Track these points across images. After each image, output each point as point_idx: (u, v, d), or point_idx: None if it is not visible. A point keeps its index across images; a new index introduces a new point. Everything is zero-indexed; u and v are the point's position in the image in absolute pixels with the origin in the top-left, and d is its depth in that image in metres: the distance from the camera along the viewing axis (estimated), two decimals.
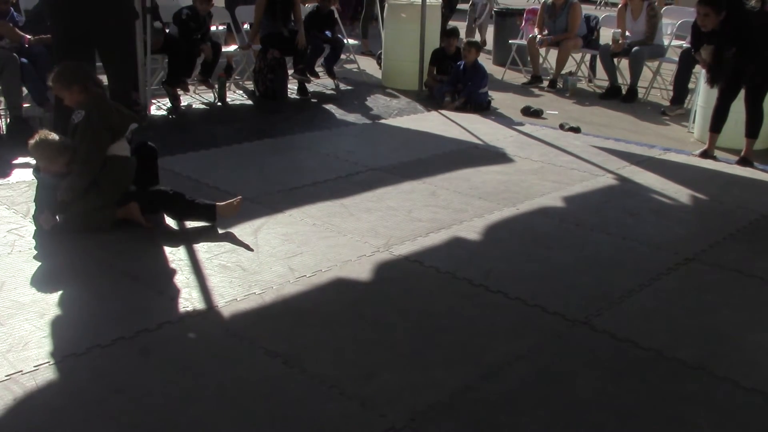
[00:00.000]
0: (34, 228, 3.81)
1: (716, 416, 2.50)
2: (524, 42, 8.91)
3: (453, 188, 4.75)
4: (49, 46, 5.55)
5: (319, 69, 8.32)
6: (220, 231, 3.93)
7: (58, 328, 2.92)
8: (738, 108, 5.58)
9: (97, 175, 3.82)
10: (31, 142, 3.79)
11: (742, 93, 5.55)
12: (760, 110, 5.52)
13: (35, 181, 3.93)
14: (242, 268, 3.49)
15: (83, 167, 3.79)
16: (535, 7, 9.09)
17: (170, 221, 4.05)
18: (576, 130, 6.44)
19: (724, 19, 5.32)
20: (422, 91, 7.89)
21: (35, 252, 3.62)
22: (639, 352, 2.87)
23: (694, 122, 6.50)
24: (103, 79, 4.72)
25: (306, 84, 7.70)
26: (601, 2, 19.24)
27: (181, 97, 6.96)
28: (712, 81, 5.55)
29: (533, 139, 6.14)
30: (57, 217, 3.81)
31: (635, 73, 7.80)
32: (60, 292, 3.23)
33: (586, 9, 9.34)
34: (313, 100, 7.57)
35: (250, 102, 7.45)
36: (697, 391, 2.64)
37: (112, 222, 3.88)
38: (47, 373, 2.61)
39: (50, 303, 3.12)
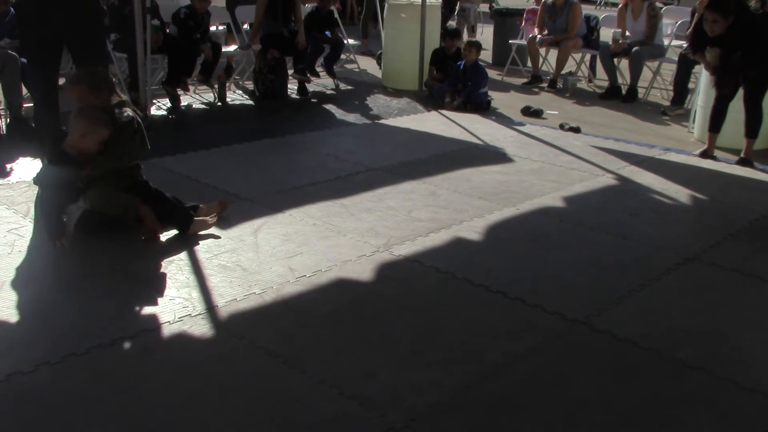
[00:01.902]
0: (33, 227, 3.81)
1: (716, 416, 2.51)
2: (524, 42, 8.91)
3: (453, 188, 4.75)
4: None
5: (319, 69, 8.32)
6: (220, 231, 3.93)
7: (58, 328, 2.92)
8: (738, 108, 5.57)
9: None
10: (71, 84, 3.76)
11: (740, 93, 5.55)
12: (759, 110, 5.51)
13: (38, 188, 3.72)
14: (242, 268, 3.49)
15: (122, 156, 3.78)
16: (535, 7, 9.08)
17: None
18: (576, 130, 6.44)
19: (731, 23, 5.30)
20: (422, 91, 7.89)
21: (35, 252, 3.62)
22: (639, 352, 2.87)
23: (694, 122, 6.50)
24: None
25: (306, 84, 7.69)
26: (601, 2, 19.24)
27: (181, 97, 6.96)
28: (718, 85, 5.53)
29: (533, 139, 6.14)
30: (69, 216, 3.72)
31: (635, 73, 7.79)
32: (60, 292, 3.24)
33: (586, 9, 9.34)
34: (313, 100, 7.56)
35: (250, 102, 7.44)
36: (697, 391, 2.64)
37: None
38: (47, 373, 2.61)
39: (50, 303, 3.13)
